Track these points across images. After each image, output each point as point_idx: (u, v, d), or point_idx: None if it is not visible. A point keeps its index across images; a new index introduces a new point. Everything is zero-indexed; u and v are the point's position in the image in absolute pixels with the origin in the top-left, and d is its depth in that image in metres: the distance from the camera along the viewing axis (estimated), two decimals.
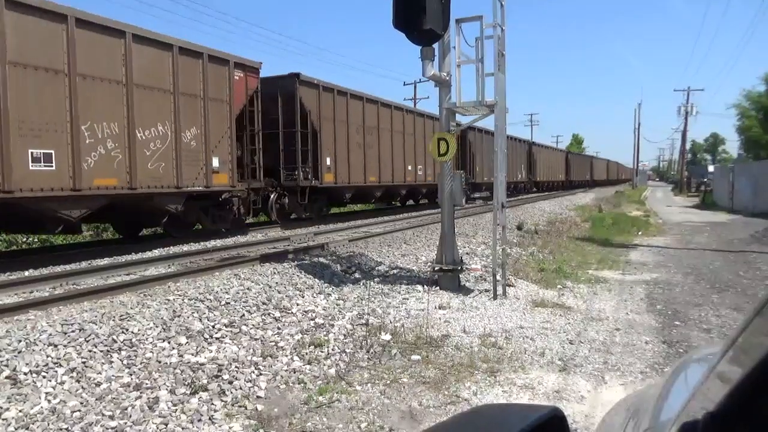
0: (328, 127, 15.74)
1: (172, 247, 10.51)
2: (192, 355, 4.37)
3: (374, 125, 18.24)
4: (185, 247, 10.47)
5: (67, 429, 3.21)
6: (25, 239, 14.13)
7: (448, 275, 7.15)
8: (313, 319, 5.54)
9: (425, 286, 7.10)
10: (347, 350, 4.81)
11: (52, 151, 8.45)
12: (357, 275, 7.89)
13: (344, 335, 5.17)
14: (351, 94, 17.01)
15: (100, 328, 4.61)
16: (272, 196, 14.54)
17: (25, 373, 3.77)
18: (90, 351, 4.19)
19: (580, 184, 53.89)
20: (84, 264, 8.60)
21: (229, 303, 5.73)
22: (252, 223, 15.29)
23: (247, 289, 6.40)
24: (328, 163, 15.74)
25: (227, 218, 12.66)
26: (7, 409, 3.34)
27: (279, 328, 5.19)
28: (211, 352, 4.48)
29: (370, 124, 17.91)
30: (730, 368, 0.71)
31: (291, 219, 15.61)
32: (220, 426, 3.41)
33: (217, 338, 4.76)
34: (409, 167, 20.89)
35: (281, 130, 14.71)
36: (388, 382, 4.16)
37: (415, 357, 4.66)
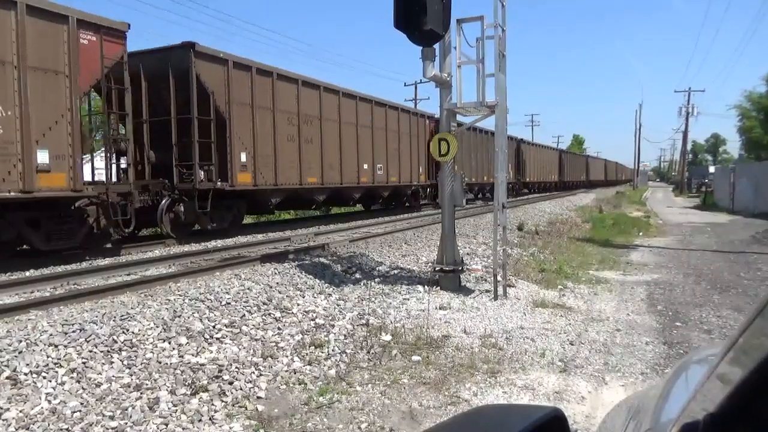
0: (243, 114, 12.49)
1: (172, 248, 10.51)
2: (192, 355, 4.37)
3: (315, 114, 15.12)
4: (186, 248, 10.48)
5: (67, 429, 3.21)
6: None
7: (448, 276, 7.15)
8: (313, 320, 5.54)
9: (426, 287, 7.10)
10: (348, 351, 4.81)
11: None
12: (357, 275, 7.89)
13: (345, 336, 5.17)
14: (279, 74, 13.55)
15: (101, 328, 4.61)
16: (163, 203, 11.27)
17: (26, 374, 3.77)
18: (90, 351, 4.18)
19: (574, 185, 51.06)
20: (85, 264, 8.61)
21: (229, 303, 5.73)
22: (129, 238, 11.08)
23: (248, 289, 6.40)
24: (244, 159, 12.42)
25: (75, 234, 9.30)
26: (8, 410, 3.34)
27: (279, 329, 5.19)
28: (211, 352, 4.48)
29: (308, 112, 14.77)
30: (731, 369, 0.71)
31: (195, 232, 12.26)
32: (220, 426, 3.41)
33: (217, 338, 4.76)
34: (365, 166, 17.58)
35: (173, 116, 11.57)
36: (389, 382, 4.16)
37: (415, 358, 4.66)
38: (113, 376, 3.88)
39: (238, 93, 12.35)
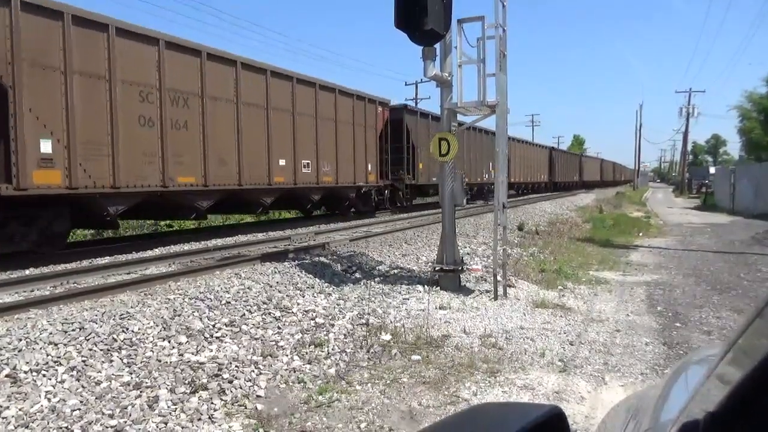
0: (46, 81, 8.47)
1: (172, 246, 10.51)
2: (192, 354, 4.37)
3: (192, 92, 11.08)
4: (186, 246, 10.48)
5: (67, 427, 3.21)
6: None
7: (448, 275, 7.15)
8: (313, 319, 5.54)
9: (426, 286, 7.10)
10: (347, 350, 4.81)
11: None
12: (357, 275, 7.89)
13: (344, 335, 5.17)
14: (120, 29, 9.58)
15: (101, 327, 4.61)
16: None
17: (26, 372, 3.77)
18: (90, 350, 4.19)
19: (567, 186, 46.85)
20: (85, 263, 8.61)
21: (229, 302, 5.73)
22: None
23: (248, 288, 6.40)
24: (46, 149, 8.44)
25: None
26: (7, 408, 3.35)
27: (279, 328, 5.19)
28: (211, 351, 4.48)
29: (179, 88, 10.80)
30: (731, 369, 0.71)
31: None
32: (219, 425, 3.41)
33: (217, 337, 4.76)
34: (281, 162, 13.75)
35: None
36: (388, 382, 4.16)
37: (415, 357, 4.66)
38: (113, 375, 3.88)
39: (34, 50, 8.32)
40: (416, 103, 39.37)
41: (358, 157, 17.21)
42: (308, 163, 14.86)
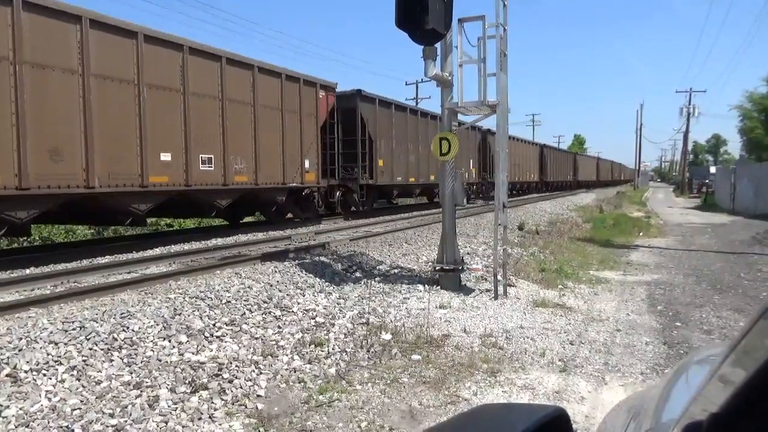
0: None
1: (173, 246, 10.51)
2: (192, 353, 4.37)
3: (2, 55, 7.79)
4: (186, 246, 10.48)
5: (67, 427, 3.21)
6: (26, 237, 14.05)
7: (449, 275, 7.15)
8: (313, 318, 5.54)
9: (426, 286, 7.10)
10: (348, 349, 4.81)
11: None
12: (358, 274, 7.89)
13: (345, 334, 5.17)
14: None
15: (101, 326, 4.61)
16: None
17: (26, 371, 3.77)
18: (91, 349, 4.19)
19: (559, 186, 43.87)
20: (85, 262, 8.61)
21: (229, 301, 5.73)
22: None
23: (248, 287, 6.40)
24: None
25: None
26: (8, 407, 3.35)
27: (280, 327, 5.19)
28: (211, 350, 4.48)
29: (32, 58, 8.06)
30: (733, 370, 0.70)
31: None
32: (220, 424, 3.41)
33: (217, 337, 4.76)
34: (165, 156, 10.36)
35: None
36: (389, 381, 4.16)
37: (415, 356, 4.66)
38: (113, 374, 3.88)
39: None
40: (417, 103, 39.21)
41: (289, 152, 13.74)
42: (210, 158, 11.38)
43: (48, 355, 4.02)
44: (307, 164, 14.63)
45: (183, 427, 3.35)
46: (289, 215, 15.28)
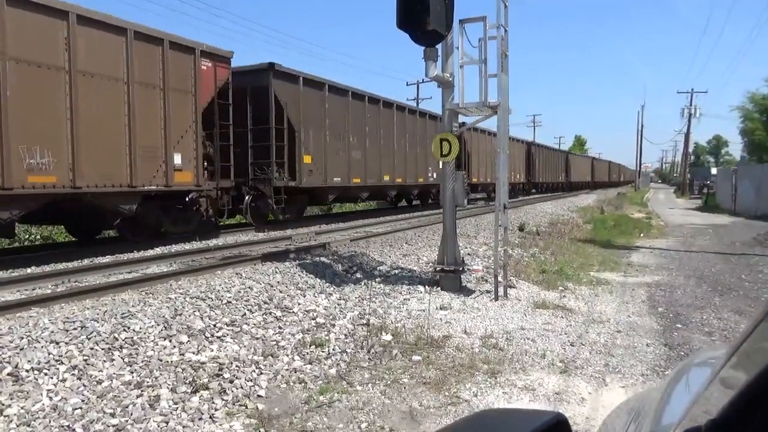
0: None
1: (174, 246, 10.52)
2: (193, 353, 4.38)
3: None
4: (187, 246, 10.48)
5: (68, 426, 3.22)
6: (27, 236, 14.02)
7: (449, 276, 7.15)
8: (314, 319, 5.54)
9: (426, 287, 7.10)
10: (348, 350, 4.81)
11: None
12: (358, 275, 7.89)
13: (345, 335, 5.17)
14: None
15: (102, 325, 4.61)
16: None
17: (27, 371, 3.78)
18: (92, 349, 4.19)
19: (551, 188, 40.88)
20: (86, 261, 8.62)
21: (230, 302, 5.73)
22: None
23: (249, 288, 6.40)
24: None
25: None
26: (9, 406, 3.35)
27: (280, 328, 5.19)
28: (212, 350, 4.48)
29: None
30: (734, 374, 0.71)
31: None
32: (220, 425, 3.41)
33: (218, 337, 4.76)
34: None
35: None
36: (389, 382, 4.16)
37: (415, 357, 4.66)
38: (114, 374, 3.89)
39: None
40: (417, 104, 39.08)
41: (143, 142, 9.82)
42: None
43: (49, 354, 4.03)
44: (178, 160, 10.57)
45: (184, 427, 3.35)
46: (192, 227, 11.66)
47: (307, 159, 14.16)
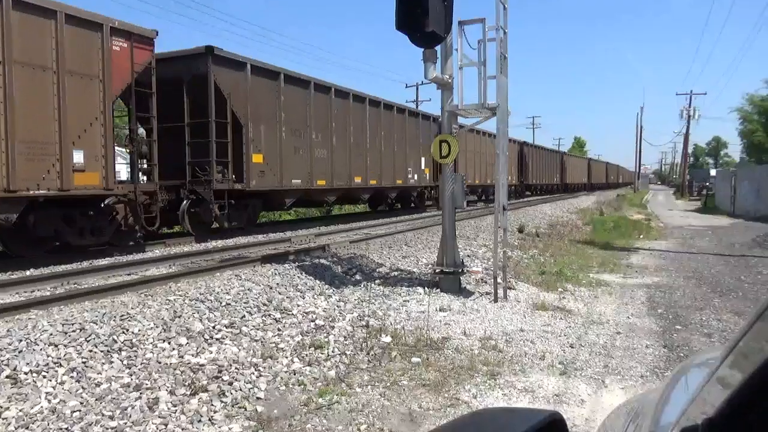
0: None
1: (173, 248, 10.52)
2: (192, 355, 4.37)
3: None
4: (186, 248, 10.48)
5: (67, 429, 3.21)
6: None
7: (448, 277, 7.14)
8: (313, 321, 5.54)
9: (426, 288, 7.10)
10: (347, 352, 4.81)
11: None
12: (358, 277, 7.89)
13: (344, 337, 5.17)
14: None
15: (101, 328, 4.61)
16: None
17: (26, 373, 3.77)
18: (90, 351, 4.19)
19: (545, 190, 39.60)
20: (85, 264, 8.61)
21: (229, 304, 5.73)
22: None
23: (248, 290, 6.40)
24: None
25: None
26: (8, 409, 3.35)
27: (279, 330, 5.19)
28: (211, 353, 4.48)
29: None
30: (731, 373, 0.71)
31: None
32: (219, 427, 3.41)
33: (217, 339, 4.76)
34: None
35: None
36: (388, 384, 4.16)
37: (415, 359, 4.65)
38: (113, 376, 3.88)
39: None
40: (417, 105, 38.98)
41: (24, 135, 8.19)
42: None
43: (48, 356, 4.02)
44: (78, 158, 8.91)
45: (182, 429, 3.34)
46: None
47: (257, 158, 12.44)
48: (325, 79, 15.39)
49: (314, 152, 14.60)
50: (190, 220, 11.93)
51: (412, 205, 21.83)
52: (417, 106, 37.41)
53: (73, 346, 4.22)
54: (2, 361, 3.90)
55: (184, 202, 11.72)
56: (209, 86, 11.47)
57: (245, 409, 3.67)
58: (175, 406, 3.59)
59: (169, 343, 4.53)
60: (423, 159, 20.87)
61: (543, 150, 40.99)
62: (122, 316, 4.99)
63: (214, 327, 4.99)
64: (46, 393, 3.58)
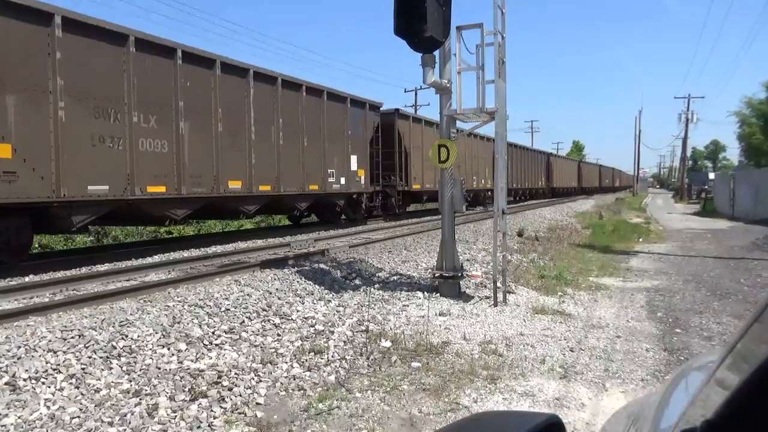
0: None
1: (172, 253, 10.50)
2: (191, 361, 4.36)
3: None
4: (185, 253, 10.47)
5: None
6: None
7: (448, 282, 7.14)
8: (313, 326, 5.53)
9: (425, 293, 7.09)
10: (347, 357, 4.80)
11: None
12: (357, 281, 7.88)
13: (344, 342, 5.16)
14: None
15: (100, 334, 4.60)
16: None
17: (25, 379, 3.76)
18: (89, 357, 4.18)
19: (529, 194, 35.81)
20: (84, 270, 8.59)
21: (229, 309, 5.72)
22: None
23: (247, 295, 6.39)
24: None
25: None
26: (6, 416, 3.33)
27: (279, 335, 5.18)
28: (210, 358, 4.47)
29: None
30: (729, 375, 0.71)
31: None
32: None
33: (216, 345, 4.75)
34: None
35: None
36: (388, 389, 4.15)
37: (415, 364, 4.64)
38: (112, 382, 3.87)
39: None
40: (416, 110, 39.11)
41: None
42: None
43: (47, 363, 4.01)
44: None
45: None
46: None
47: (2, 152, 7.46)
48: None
49: (138, 144, 9.41)
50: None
51: (343, 217, 16.97)
52: (416, 111, 37.40)
53: (72, 353, 4.21)
54: (1, 367, 3.88)
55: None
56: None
57: (245, 415, 3.65)
58: (174, 412, 3.58)
59: (169, 348, 4.51)
60: (354, 158, 15.99)
61: (526, 150, 35.74)
62: (121, 322, 4.98)
63: (213, 332, 4.98)
64: (45, 399, 3.56)
